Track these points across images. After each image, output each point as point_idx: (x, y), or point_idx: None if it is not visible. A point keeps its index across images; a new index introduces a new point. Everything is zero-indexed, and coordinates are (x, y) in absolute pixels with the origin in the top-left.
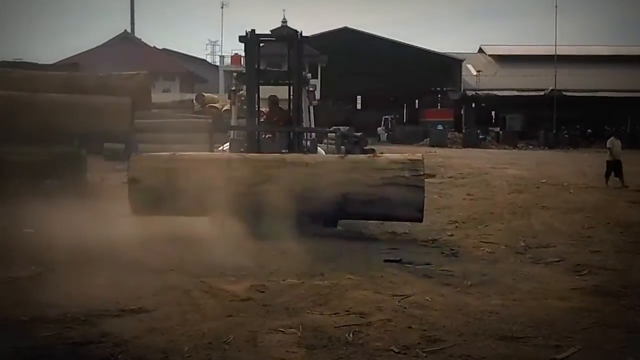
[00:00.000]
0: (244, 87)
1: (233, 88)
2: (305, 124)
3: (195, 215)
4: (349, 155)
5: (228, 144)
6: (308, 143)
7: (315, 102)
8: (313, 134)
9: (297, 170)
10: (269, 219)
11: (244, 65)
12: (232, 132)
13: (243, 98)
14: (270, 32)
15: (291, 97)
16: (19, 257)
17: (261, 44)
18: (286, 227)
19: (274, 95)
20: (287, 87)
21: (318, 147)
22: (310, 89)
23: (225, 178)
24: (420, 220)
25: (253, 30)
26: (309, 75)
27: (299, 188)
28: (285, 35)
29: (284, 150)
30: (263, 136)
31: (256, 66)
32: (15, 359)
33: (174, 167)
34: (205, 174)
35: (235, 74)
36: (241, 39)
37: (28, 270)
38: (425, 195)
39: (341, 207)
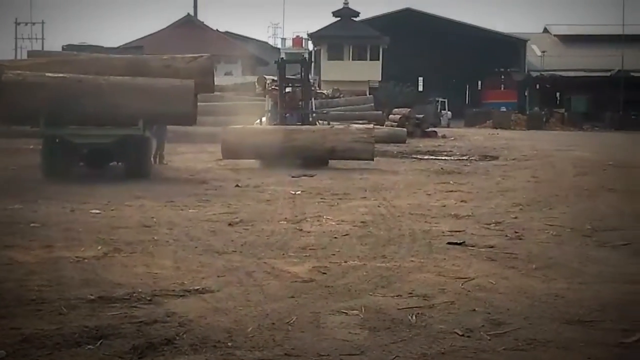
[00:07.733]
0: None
1: (269, 88)
2: (310, 109)
3: (253, 159)
4: (335, 126)
5: (264, 118)
6: (311, 119)
7: (376, 84)
8: (314, 114)
9: (307, 134)
10: (291, 160)
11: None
12: (266, 112)
13: (274, 93)
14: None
15: (302, 94)
16: (86, 237)
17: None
18: (300, 163)
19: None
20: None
21: (317, 122)
22: (313, 88)
23: (267, 139)
24: (372, 160)
25: (282, 58)
26: (315, 79)
27: (309, 143)
28: (299, 60)
29: (298, 123)
30: (286, 115)
31: (285, 76)
32: (82, 337)
33: (243, 133)
34: (258, 136)
35: (268, 80)
36: (275, 62)
37: (95, 250)
38: (375, 147)
39: (330, 153)
